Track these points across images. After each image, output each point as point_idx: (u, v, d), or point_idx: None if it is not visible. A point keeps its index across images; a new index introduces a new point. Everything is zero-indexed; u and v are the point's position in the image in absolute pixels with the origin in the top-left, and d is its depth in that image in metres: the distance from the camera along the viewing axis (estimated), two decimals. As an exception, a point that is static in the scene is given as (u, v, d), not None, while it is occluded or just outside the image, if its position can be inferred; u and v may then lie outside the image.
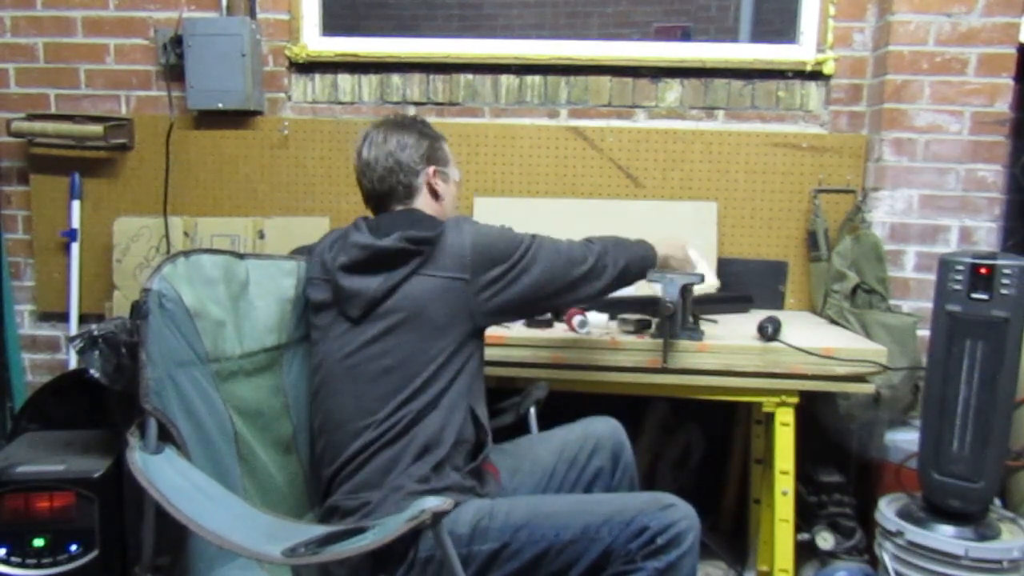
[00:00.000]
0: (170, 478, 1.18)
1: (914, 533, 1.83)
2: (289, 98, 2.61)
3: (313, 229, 2.47)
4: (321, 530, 1.15)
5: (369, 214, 1.62)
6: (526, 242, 1.53)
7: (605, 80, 2.54)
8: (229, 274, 1.43)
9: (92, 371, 1.31)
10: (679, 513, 1.35)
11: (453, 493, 1.39)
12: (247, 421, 1.41)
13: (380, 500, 1.38)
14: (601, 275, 1.60)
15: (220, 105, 2.49)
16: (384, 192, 1.57)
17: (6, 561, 1.80)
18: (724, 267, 2.48)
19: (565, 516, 1.36)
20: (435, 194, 1.60)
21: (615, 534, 1.33)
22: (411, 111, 2.57)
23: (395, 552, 1.32)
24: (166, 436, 1.25)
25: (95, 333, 1.31)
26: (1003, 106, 2.30)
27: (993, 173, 2.33)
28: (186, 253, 1.35)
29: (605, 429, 1.74)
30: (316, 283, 1.55)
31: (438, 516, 1.09)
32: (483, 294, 1.47)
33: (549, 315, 2.05)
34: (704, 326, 1.93)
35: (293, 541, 1.09)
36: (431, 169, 1.59)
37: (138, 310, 1.24)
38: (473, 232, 1.49)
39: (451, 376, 1.46)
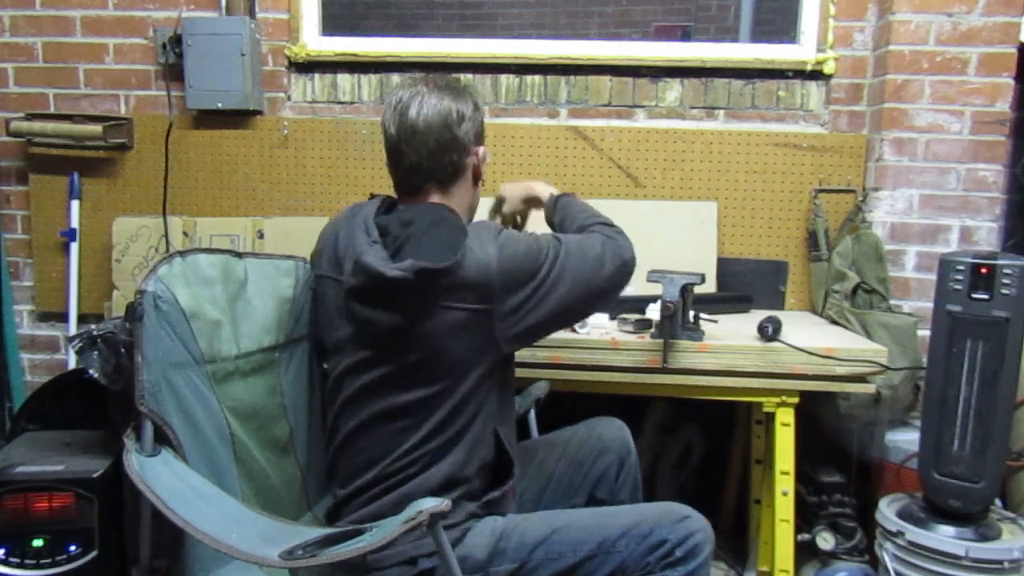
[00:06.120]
0: (166, 481, 1.17)
1: (914, 533, 1.83)
2: (289, 98, 2.60)
3: (313, 229, 2.42)
4: (319, 532, 1.15)
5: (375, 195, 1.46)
6: (552, 250, 1.35)
7: (605, 80, 2.53)
8: (227, 273, 1.42)
9: (91, 371, 1.31)
10: (696, 524, 1.33)
11: (470, 521, 1.35)
12: (243, 422, 1.40)
13: None
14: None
15: (219, 105, 2.48)
16: (430, 168, 1.37)
17: (5, 561, 1.79)
18: (724, 267, 2.47)
19: (581, 531, 1.33)
20: (477, 178, 1.45)
21: (632, 547, 1.31)
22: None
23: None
24: (162, 438, 1.24)
25: (94, 333, 1.31)
26: (1003, 106, 2.30)
27: (993, 173, 2.33)
28: (182, 253, 1.33)
29: (611, 431, 1.72)
30: (325, 281, 1.44)
31: (435, 516, 1.08)
32: (508, 320, 1.31)
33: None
34: (704, 326, 1.93)
35: (291, 543, 1.08)
36: (481, 150, 1.42)
37: (132, 312, 1.23)
38: (498, 249, 1.30)
39: (474, 410, 1.35)
